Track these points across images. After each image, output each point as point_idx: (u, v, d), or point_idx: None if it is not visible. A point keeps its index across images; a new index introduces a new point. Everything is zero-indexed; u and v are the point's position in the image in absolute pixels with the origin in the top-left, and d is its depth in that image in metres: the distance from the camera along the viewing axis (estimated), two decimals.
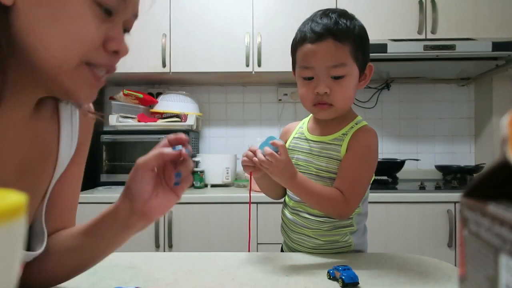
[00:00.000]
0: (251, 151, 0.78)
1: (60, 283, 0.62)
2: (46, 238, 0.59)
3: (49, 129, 0.60)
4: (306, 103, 0.85)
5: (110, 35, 0.51)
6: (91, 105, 0.67)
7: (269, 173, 0.77)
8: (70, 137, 0.63)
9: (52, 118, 0.60)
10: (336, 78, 0.81)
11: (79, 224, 0.63)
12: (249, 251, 0.88)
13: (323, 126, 0.90)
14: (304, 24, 0.86)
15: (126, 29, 0.56)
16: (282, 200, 0.98)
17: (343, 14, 0.84)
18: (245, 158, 0.79)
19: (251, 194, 0.87)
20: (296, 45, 0.86)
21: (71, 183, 0.66)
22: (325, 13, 0.84)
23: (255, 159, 0.76)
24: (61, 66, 0.48)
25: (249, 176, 0.83)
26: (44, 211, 0.60)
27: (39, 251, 0.58)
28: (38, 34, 0.46)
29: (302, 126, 0.95)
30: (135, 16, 0.56)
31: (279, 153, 0.75)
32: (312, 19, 0.84)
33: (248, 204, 0.88)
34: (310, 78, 0.83)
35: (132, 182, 0.57)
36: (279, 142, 0.76)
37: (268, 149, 0.74)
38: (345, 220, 0.86)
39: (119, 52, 0.53)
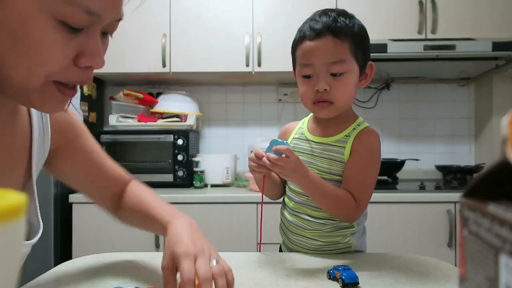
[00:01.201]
0: (257, 155, 0.78)
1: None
2: (41, 230, 0.63)
3: (23, 130, 0.62)
4: (306, 101, 0.85)
5: (82, 49, 0.48)
6: None
7: (282, 175, 0.78)
8: (42, 135, 0.66)
9: (24, 118, 0.63)
10: (336, 75, 0.81)
11: (140, 199, 0.76)
12: (259, 251, 0.88)
13: (324, 126, 0.89)
14: (304, 23, 0.86)
15: (108, 32, 0.53)
16: (281, 200, 0.98)
17: (343, 13, 0.84)
18: (253, 164, 0.79)
19: (263, 197, 0.86)
20: (296, 44, 0.86)
21: (92, 169, 0.75)
22: (325, 12, 0.84)
23: (266, 162, 0.75)
24: (26, 85, 0.47)
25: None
26: (38, 206, 0.65)
27: (34, 240, 0.62)
28: (1, 55, 0.45)
29: (302, 126, 0.94)
30: (119, 19, 0.52)
31: (286, 155, 0.74)
32: (311, 18, 0.85)
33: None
34: (310, 76, 0.83)
35: None
36: (283, 146, 0.75)
37: (274, 156, 0.74)
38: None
39: (93, 66, 0.50)
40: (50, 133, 0.67)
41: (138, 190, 0.78)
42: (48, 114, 0.67)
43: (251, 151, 0.81)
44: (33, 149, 0.63)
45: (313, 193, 0.81)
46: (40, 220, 0.64)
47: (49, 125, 0.67)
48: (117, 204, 0.79)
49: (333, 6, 1.66)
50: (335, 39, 0.80)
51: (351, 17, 0.84)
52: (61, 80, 0.49)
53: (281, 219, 0.96)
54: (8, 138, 0.58)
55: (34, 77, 0.46)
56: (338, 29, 0.80)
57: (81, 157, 0.74)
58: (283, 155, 0.74)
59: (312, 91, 0.82)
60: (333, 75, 0.81)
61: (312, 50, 0.81)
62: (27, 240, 0.61)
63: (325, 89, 0.81)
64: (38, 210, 0.65)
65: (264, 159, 0.75)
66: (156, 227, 0.69)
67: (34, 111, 0.64)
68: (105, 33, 0.53)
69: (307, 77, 0.83)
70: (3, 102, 0.54)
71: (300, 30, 0.86)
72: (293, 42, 0.88)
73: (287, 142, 0.77)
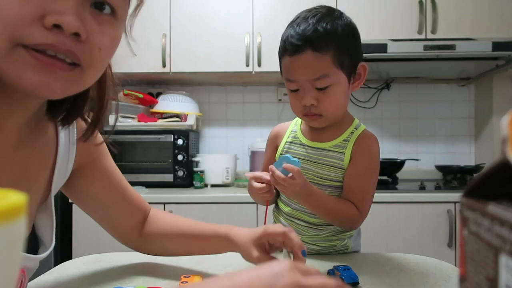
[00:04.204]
0: (257, 175, 0.78)
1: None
2: (52, 247, 0.60)
3: (44, 146, 0.59)
4: (297, 113, 0.83)
5: (51, 9, 0.42)
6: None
7: (285, 195, 0.78)
8: (67, 155, 0.64)
9: (50, 134, 0.60)
10: (321, 89, 0.77)
11: (177, 221, 0.77)
12: None
13: (319, 130, 0.85)
14: (286, 29, 0.81)
15: (105, 2, 0.48)
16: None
17: (324, 15, 0.77)
18: (257, 185, 0.78)
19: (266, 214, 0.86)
20: (280, 54, 0.82)
21: (113, 191, 0.72)
22: (305, 17, 0.78)
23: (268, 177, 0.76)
24: None
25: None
26: (55, 224, 0.61)
27: (43, 255, 0.59)
28: None
29: (294, 129, 0.91)
30: None
31: (292, 176, 0.73)
32: (292, 24, 0.80)
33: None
34: (296, 90, 0.80)
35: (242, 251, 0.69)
36: (294, 167, 0.73)
37: (280, 175, 0.73)
38: None
39: (62, 27, 0.43)
40: (75, 153, 0.65)
41: (168, 215, 0.79)
42: (75, 133, 0.64)
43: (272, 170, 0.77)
44: (56, 167, 0.61)
45: (316, 211, 0.80)
46: (54, 238, 0.61)
47: (75, 145, 0.64)
48: (139, 232, 0.76)
49: (333, 6, 1.66)
50: (315, 54, 0.74)
51: (335, 18, 0.77)
52: (27, 42, 0.42)
53: (275, 222, 0.94)
54: (26, 150, 0.55)
55: None
56: (318, 41, 0.74)
57: (103, 178, 0.71)
58: (290, 174, 0.73)
59: (300, 105, 0.79)
60: (319, 89, 0.77)
61: (293, 67, 0.77)
62: (36, 253, 0.58)
63: (312, 104, 0.78)
64: (54, 229, 0.61)
65: (269, 174, 0.75)
66: (211, 244, 0.75)
67: (61, 128, 0.61)
68: (100, 5, 0.47)
69: (294, 90, 0.80)
70: (17, 105, 0.51)
71: (282, 38, 0.81)
72: (278, 48, 0.83)
73: (298, 162, 0.74)
